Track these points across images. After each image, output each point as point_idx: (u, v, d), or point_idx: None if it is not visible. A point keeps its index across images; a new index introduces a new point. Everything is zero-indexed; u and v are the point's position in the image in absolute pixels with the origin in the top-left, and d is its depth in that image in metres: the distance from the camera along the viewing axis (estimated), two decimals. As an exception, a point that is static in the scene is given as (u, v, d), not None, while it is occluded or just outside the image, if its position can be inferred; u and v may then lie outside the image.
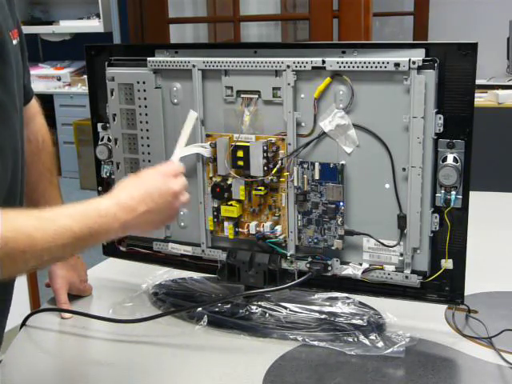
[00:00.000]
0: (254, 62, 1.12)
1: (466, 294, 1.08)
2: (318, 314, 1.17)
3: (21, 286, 2.23)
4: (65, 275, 1.29)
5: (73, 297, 1.31)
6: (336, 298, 1.20)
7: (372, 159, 1.08)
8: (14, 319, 1.17)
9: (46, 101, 4.85)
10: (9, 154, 1.01)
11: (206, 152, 1.18)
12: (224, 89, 1.16)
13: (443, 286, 1.09)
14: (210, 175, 1.20)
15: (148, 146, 1.24)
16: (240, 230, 1.18)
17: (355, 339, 1.10)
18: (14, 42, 1.04)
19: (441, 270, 1.07)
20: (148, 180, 0.98)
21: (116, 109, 1.25)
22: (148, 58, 1.20)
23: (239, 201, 1.18)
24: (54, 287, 1.28)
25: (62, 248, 0.84)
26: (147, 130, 1.23)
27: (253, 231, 1.16)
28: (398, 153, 1.06)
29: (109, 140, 1.28)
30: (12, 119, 1.02)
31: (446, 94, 1.02)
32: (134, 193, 0.94)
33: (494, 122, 3.14)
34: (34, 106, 1.28)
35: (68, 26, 4.98)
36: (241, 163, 1.14)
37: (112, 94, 1.24)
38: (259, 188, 1.15)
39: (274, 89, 1.12)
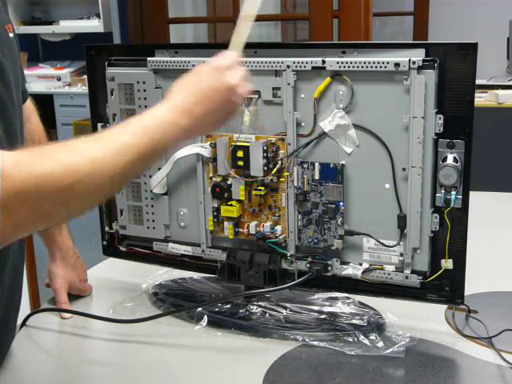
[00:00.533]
0: (254, 62, 1.12)
1: (466, 293, 1.08)
2: (317, 314, 1.17)
3: (21, 285, 2.23)
4: (64, 275, 1.29)
5: (73, 297, 1.31)
6: (336, 298, 1.20)
7: (372, 159, 1.08)
8: (13, 319, 1.17)
9: (46, 101, 4.85)
10: (5, 146, 0.96)
11: (206, 152, 1.18)
12: (224, 89, 1.16)
13: (443, 286, 1.09)
14: (210, 175, 1.20)
15: (148, 145, 1.23)
16: (240, 230, 1.18)
17: (355, 339, 1.09)
18: (10, 35, 1.05)
19: (441, 270, 1.07)
20: (202, 78, 0.93)
21: (116, 109, 1.25)
22: (148, 58, 1.20)
23: (239, 201, 1.18)
24: (54, 287, 1.28)
25: (129, 166, 0.80)
26: (147, 130, 1.23)
27: (253, 231, 1.16)
28: (398, 153, 1.06)
29: (109, 140, 1.28)
30: (9, 112, 1.01)
31: (446, 94, 1.02)
32: (190, 94, 0.90)
33: (494, 122, 3.14)
34: (29, 106, 1.28)
35: (68, 25, 4.98)
36: (241, 163, 1.14)
37: (112, 94, 1.24)
38: (259, 188, 1.15)
39: (274, 89, 1.12)
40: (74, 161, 0.74)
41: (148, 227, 1.28)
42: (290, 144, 1.12)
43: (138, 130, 0.83)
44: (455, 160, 1.03)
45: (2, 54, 0.97)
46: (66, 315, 1.24)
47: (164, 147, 0.87)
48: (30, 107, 1.28)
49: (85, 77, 4.80)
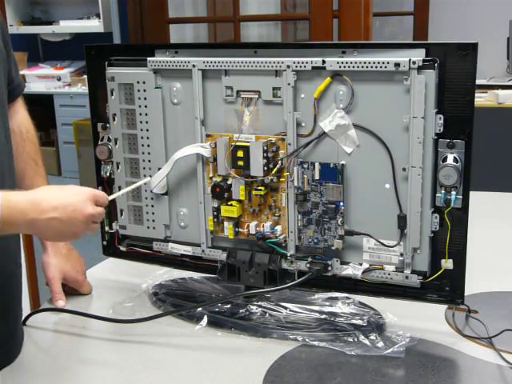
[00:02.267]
0: (254, 62, 1.12)
1: (466, 293, 1.08)
2: (318, 314, 1.17)
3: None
4: (57, 264, 1.29)
5: (73, 297, 1.31)
6: (336, 298, 1.20)
7: (372, 159, 1.08)
8: (13, 319, 1.17)
9: (46, 101, 4.85)
10: None
11: (206, 152, 1.18)
12: (224, 89, 1.16)
13: (443, 286, 1.09)
14: (210, 175, 1.20)
15: (148, 146, 1.24)
16: (240, 230, 1.18)
17: (355, 339, 1.10)
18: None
19: (441, 270, 1.07)
20: (70, 194, 1.01)
21: (116, 109, 1.25)
22: (148, 58, 1.20)
23: (239, 201, 1.18)
24: (48, 276, 1.28)
25: None
26: (147, 130, 1.23)
27: (253, 231, 1.16)
28: (398, 153, 1.06)
29: (109, 140, 1.28)
30: None
31: (446, 94, 1.02)
32: (51, 198, 0.97)
33: (494, 122, 3.14)
34: (19, 99, 1.31)
35: (68, 25, 4.98)
36: (241, 163, 1.14)
37: (112, 94, 1.24)
38: (259, 188, 1.15)
39: (274, 89, 1.12)
40: None
41: (148, 227, 1.28)
42: (290, 144, 1.12)
43: None
44: (455, 160, 1.03)
45: None
46: (61, 303, 1.25)
47: (4, 227, 0.95)
48: (19, 101, 1.31)
49: (85, 77, 4.80)
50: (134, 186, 1.22)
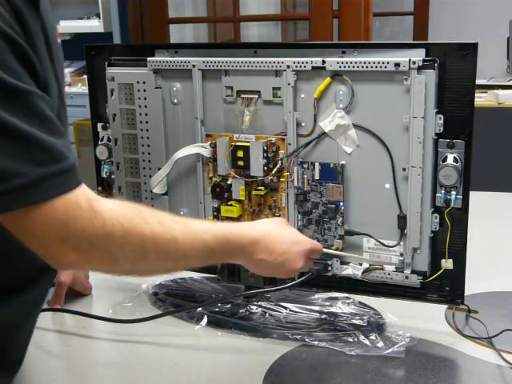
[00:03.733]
0: (254, 62, 1.12)
1: (466, 294, 1.08)
2: (318, 314, 1.17)
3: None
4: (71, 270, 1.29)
5: (73, 297, 1.31)
6: (336, 298, 1.20)
7: (372, 159, 1.08)
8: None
9: (46, 101, 4.84)
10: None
11: (206, 152, 1.18)
12: (224, 89, 1.16)
13: (443, 286, 1.09)
14: (210, 175, 1.20)
15: (148, 146, 1.24)
16: (240, 230, 1.18)
17: (355, 339, 1.09)
18: (59, 40, 1.04)
19: (441, 270, 1.07)
20: (289, 242, 0.99)
21: (116, 109, 1.25)
22: (148, 58, 1.20)
23: (239, 201, 1.18)
24: (60, 280, 1.27)
25: (196, 259, 0.90)
26: (147, 130, 1.23)
27: (253, 231, 1.16)
28: (398, 153, 1.06)
29: (109, 140, 1.28)
30: (66, 129, 1.01)
31: (446, 94, 1.02)
32: (270, 242, 0.97)
33: (494, 122, 3.14)
34: None
35: (68, 25, 4.97)
36: (241, 163, 1.14)
37: (112, 94, 1.24)
38: (259, 188, 1.15)
39: (274, 89, 1.12)
40: (159, 230, 0.83)
41: (148, 227, 1.27)
42: (290, 144, 1.12)
43: (221, 239, 0.91)
44: (455, 160, 1.03)
45: (59, 64, 0.91)
46: (58, 307, 1.25)
47: (225, 260, 0.99)
48: None
49: (85, 77, 4.80)
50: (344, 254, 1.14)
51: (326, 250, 1.09)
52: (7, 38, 0.74)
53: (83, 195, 0.78)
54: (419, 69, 1.01)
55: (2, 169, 0.72)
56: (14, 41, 0.75)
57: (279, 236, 0.99)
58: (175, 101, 1.21)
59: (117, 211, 0.80)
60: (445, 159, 1.04)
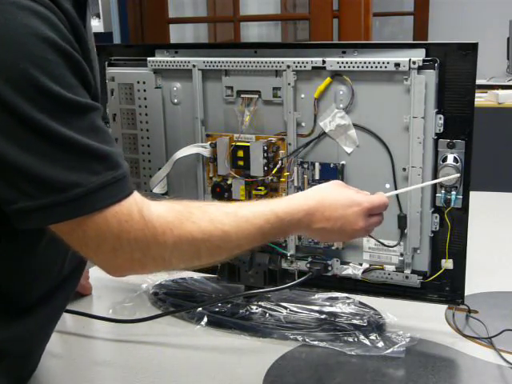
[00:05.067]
0: (254, 62, 1.12)
1: (466, 293, 1.08)
2: (318, 314, 1.17)
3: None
4: None
5: (73, 297, 1.30)
6: (336, 298, 1.20)
7: (372, 159, 1.08)
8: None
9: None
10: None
11: (206, 152, 1.18)
12: (224, 89, 1.16)
13: (443, 286, 1.09)
14: (210, 175, 1.20)
15: (148, 146, 1.24)
16: (240, 229, 1.18)
17: (355, 339, 1.09)
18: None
19: (441, 270, 1.07)
20: (344, 205, 0.97)
21: (116, 109, 1.25)
22: (148, 58, 1.20)
23: (239, 201, 1.17)
24: None
25: (251, 244, 0.89)
26: (147, 130, 1.23)
27: (253, 231, 1.16)
28: (398, 153, 1.06)
29: (109, 140, 1.28)
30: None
31: (446, 94, 1.02)
32: (325, 208, 0.95)
33: (494, 122, 3.14)
34: None
35: (68, 25, 4.97)
36: (241, 163, 1.14)
37: (112, 94, 1.24)
38: (259, 188, 1.15)
39: (274, 89, 1.12)
40: (210, 229, 0.83)
41: (148, 227, 1.27)
42: (290, 144, 1.12)
43: (273, 220, 0.90)
44: (455, 160, 1.03)
45: (96, 67, 0.93)
46: None
47: (280, 236, 1.03)
48: None
49: (85, 77, 4.79)
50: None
51: (388, 194, 1.03)
52: (63, 53, 0.75)
53: (135, 204, 0.79)
54: (419, 69, 1.01)
55: (62, 180, 0.74)
56: (70, 54, 0.76)
57: (333, 201, 0.96)
58: (175, 101, 1.21)
59: (166, 217, 0.81)
60: (445, 159, 1.04)
